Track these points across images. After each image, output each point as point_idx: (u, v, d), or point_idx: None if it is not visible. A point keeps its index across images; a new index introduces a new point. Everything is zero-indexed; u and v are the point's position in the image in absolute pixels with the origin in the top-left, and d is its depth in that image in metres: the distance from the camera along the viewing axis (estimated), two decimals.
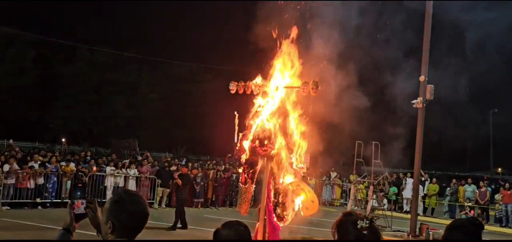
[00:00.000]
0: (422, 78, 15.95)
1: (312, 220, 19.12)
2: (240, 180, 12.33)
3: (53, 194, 17.69)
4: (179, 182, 15.62)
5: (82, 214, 2.87)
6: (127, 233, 2.64)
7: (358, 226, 2.71)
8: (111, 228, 2.62)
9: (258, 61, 12.48)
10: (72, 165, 18.60)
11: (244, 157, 11.57)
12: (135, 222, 2.65)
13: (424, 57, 16.16)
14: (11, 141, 24.88)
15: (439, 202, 25.10)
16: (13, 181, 16.69)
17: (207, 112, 34.45)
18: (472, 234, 3.19)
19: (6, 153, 18.94)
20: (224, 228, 2.92)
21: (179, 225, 14.87)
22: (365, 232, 2.70)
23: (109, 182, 19.09)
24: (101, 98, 34.42)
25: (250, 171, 11.63)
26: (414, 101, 15.97)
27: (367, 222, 2.71)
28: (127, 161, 21.10)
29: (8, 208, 16.37)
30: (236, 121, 12.05)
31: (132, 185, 19.64)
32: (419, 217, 18.12)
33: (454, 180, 25.46)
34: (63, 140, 30.12)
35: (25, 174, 16.93)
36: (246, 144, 11.54)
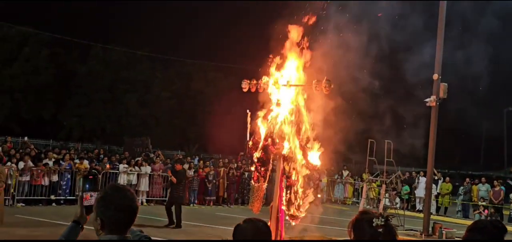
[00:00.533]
0: (435, 76, 15.86)
1: (325, 219, 19.15)
2: (252, 178, 12.39)
3: (67, 191, 17.88)
4: (174, 179, 15.37)
5: (92, 206, 2.89)
6: (117, 228, 2.63)
7: (374, 224, 2.72)
8: (100, 224, 2.64)
9: (270, 59, 12.50)
10: (85, 163, 18.78)
11: (256, 155, 11.62)
12: (123, 217, 2.64)
13: (438, 55, 16.05)
14: (26, 138, 25.16)
15: (452, 201, 24.93)
16: (28, 178, 16.90)
17: (219, 111, 34.52)
18: (493, 236, 3.07)
19: (20, 151, 19.16)
20: (244, 222, 2.98)
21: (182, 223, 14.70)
22: (380, 230, 2.72)
23: (122, 180, 19.23)
24: (114, 96, 34.59)
25: (262, 169, 11.67)
26: (427, 99, 15.86)
27: (383, 220, 2.72)
28: (140, 158, 21.24)
29: (23, 204, 16.58)
30: (248, 119, 12.09)
31: (145, 183, 19.78)
32: (432, 216, 18.02)
33: (467, 179, 25.28)
34: (76, 144, 30.33)
35: (39, 171, 17.12)
36: (258, 142, 11.57)
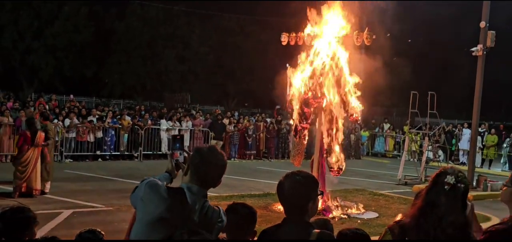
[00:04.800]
0: (482, 24, 15.20)
1: (365, 172, 19.06)
2: (292, 132, 12.38)
3: (112, 147, 18.38)
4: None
5: (181, 163, 3.18)
6: (198, 179, 2.93)
7: (445, 180, 2.75)
8: (186, 169, 2.99)
9: (308, 11, 12.25)
10: (128, 119, 19.19)
11: (296, 109, 11.57)
12: (206, 169, 2.93)
13: (485, 2, 15.35)
14: (71, 96, 25.93)
15: (497, 153, 24.30)
16: (74, 134, 17.45)
17: (257, 65, 34.42)
18: None
19: (66, 108, 19.74)
20: (285, 178, 2.95)
21: None
22: (446, 187, 2.72)
23: (164, 135, 19.61)
24: (153, 53, 34.92)
25: (303, 123, 11.63)
26: (473, 49, 15.28)
27: (453, 179, 2.73)
28: (180, 114, 21.52)
29: (71, 160, 17.18)
30: (288, 73, 11.99)
31: (186, 138, 20.08)
32: (476, 169, 17.66)
33: None
34: (118, 101, 30.92)
35: (85, 128, 17.63)
36: (299, 96, 11.49)
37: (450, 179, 2.75)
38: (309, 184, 2.90)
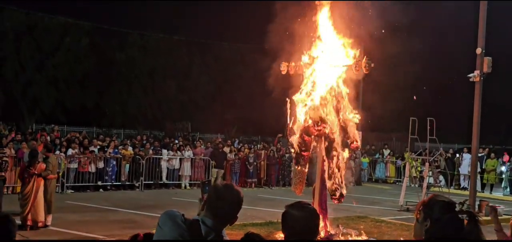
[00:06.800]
0: (478, 50, 15.38)
1: (367, 198, 19.04)
2: (293, 161, 12.43)
3: (113, 177, 18.39)
4: None
5: None
6: (212, 213, 2.99)
7: (456, 209, 2.84)
8: (203, 204, 3.07)
9: (307, 40, 12.40)
10: (130, 149, 19.25)
11: (296, 137, 11.64)
12: (220, 204, 3.00)
13: (481, 27, 15.55)
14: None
15: (498, 177, 24.30)
16: (75, 165, 17.48)
17: (257, 93, 34.53)
18: None
19: (67, 140, 19.78)
20: (294, 209, 3.00)
21: None
22: (441, 202, 2.84)
23: (165, 164, 19.66)
24: (154, 82, 35.11)
25: (304, 152, 11.68)
26: (470, 74, 15.43)
27: (461, 206, 2.87)
28: (181, 143, 21.56)
29: (72, 191, 17.19)
30: (288, 105, 12.09)
31: (187, 167, 20.12)
32: (477, 194, 17.65)
33: None
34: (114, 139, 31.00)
35: (86, 158, 17.68)
36: (299, 125, 11.58)
37: (440, 197, 2.88)
38: (311, 215, 2.98)
